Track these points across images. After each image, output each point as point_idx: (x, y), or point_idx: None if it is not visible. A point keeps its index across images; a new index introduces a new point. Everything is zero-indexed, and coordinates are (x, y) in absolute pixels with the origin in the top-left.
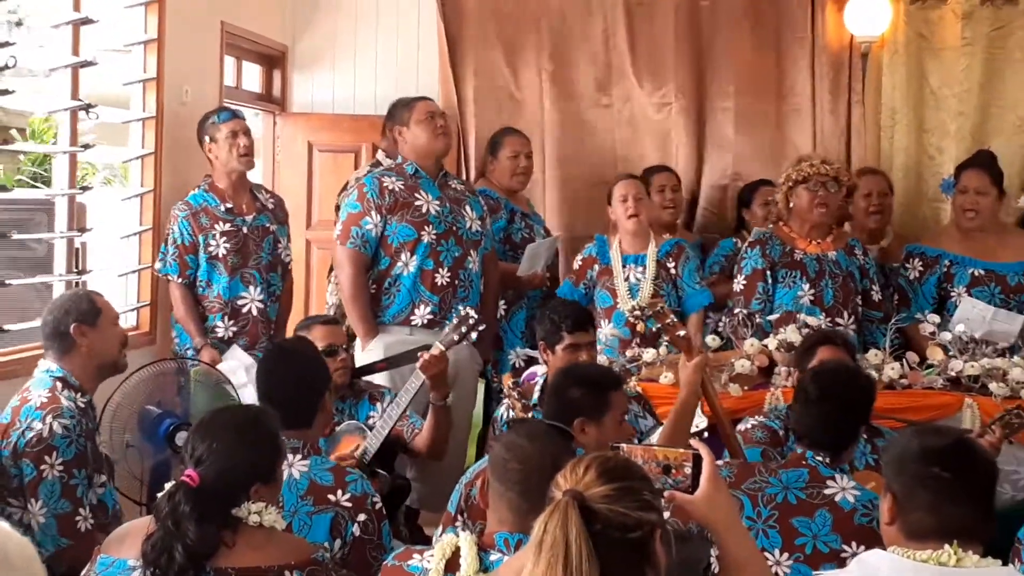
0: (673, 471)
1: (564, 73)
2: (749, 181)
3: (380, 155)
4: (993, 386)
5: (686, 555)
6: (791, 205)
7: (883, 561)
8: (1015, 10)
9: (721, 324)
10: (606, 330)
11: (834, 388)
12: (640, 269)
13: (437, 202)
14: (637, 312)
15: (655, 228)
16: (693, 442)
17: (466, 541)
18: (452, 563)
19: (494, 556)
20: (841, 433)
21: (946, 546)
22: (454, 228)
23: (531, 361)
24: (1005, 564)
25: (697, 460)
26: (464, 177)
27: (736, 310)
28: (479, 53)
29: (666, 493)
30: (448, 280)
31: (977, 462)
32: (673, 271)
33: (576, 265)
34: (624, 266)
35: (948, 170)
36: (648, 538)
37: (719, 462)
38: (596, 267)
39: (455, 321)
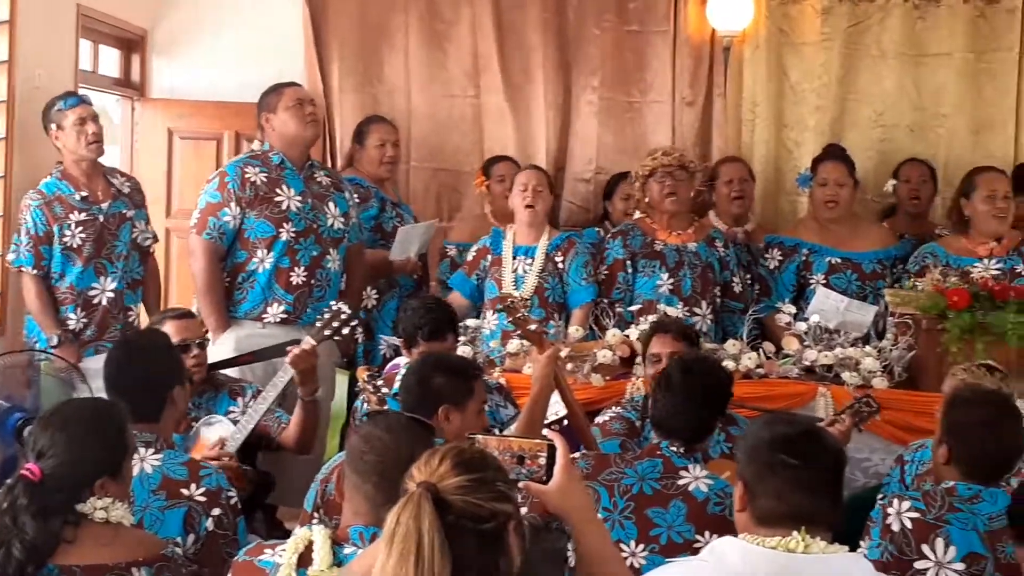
0: (527, 461)
1: (431, 61)
2: (612, 174)
3: (256, 145)
4: (846, 375)
5: (545, 547)
6: (646, 199)
7: (734, 548)
8: (872, 6)
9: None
10: (491, 320)
11: (694, 379)
12: (529, 261)
13: (299, 198)
14: (500, 306)
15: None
16: (548, 433)
17: (320, 535)
18: (305, 557)
19: (348, 549)
20: (698, 424)
21: (795, 532)
22: (314, 226)
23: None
24: (857, 547)
25: (551, 451)
26: (331, 166)
27: (601, 300)
28: (345, 38)
29: (520, 484)
30: (304, 279)
31: (825, 450)
32: (561, 265)
33: (471, 256)
34: (515, 257)
35: (806, 163)
36: (502, 529)
37: (576, 454)
38: (489, 257)
39: (327, 316)
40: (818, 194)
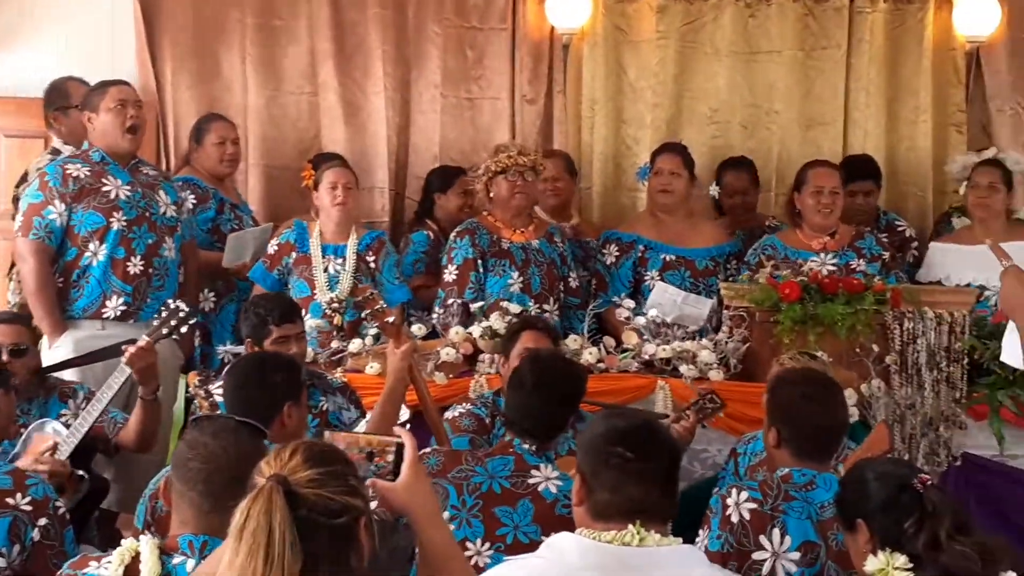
0: (376, 458)
1: (268, 58)
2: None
3: (57, 143)
4: (684, 368)
5: (393, 545)
6: (491, 195)
7: (570, 543)
8: (705, 4)
9: (435, 316)
10: (309, 322)
11: (549, 377)
12: (340, 260)
13: (127, 187)
14: (335, 304)
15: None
16: (397, 430)
17: (147, 545)
18: (133, 569)
19: (177, 559)
20: (552, 422)
21: (629, 526)
22: (147, 214)
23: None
24: (696, 538)
25: (400, 448)
26: (165, 165)
27: (450, 300)
28: (178, 35)
29: (368, 480)
30: (142, 269)
31: (660, 443)
32: (373, 265)
33: (272, 249)
34: (324, 256)
35: (645, 159)
36: (353, 524)
37: (427, 450)
38: (294, 254)
39: (163, 314)
40: (653, 183)
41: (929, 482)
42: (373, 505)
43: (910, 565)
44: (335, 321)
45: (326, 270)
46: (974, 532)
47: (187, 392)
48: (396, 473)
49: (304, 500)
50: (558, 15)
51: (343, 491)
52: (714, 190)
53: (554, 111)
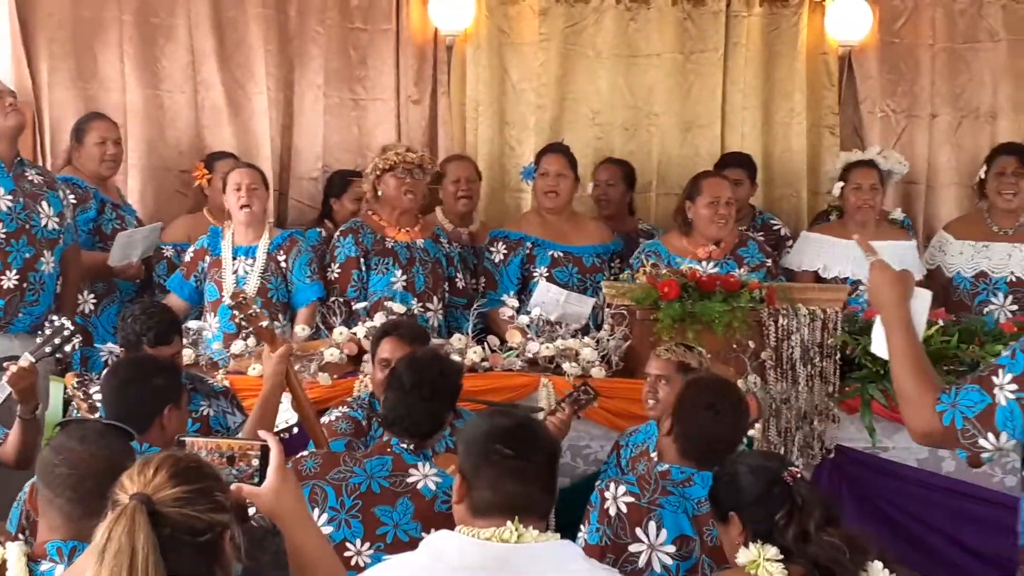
0: (238, 461)
1: (147, 57)
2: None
3: None
4: (567, 365)
5: (275, 549)
6: (379, 193)
7: (449, 541)
8: (587, 7)
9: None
10: (212, 323)
11: (424, 376)
12: (250, 261)
13: (9, 197)
14: (230, 303)
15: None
16: (262, 433)
17: (14, 552)
18: None
19: (45, 566)
20: (429, 420)
21: (508, 523)
22: (27, 227)
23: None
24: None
25: (265, 451)
26: (42, 164)
27: (331, 299)
28: (55, 33)
29: (232, 486)
30: (16, 283)
31: (539, 441)
32: (284, 264)
33: (188, 257)
34: (235, 258)
35: (528, 160)
36: (218, 539)
37: (305, 452)
38: (207, 259)
39: (48, 332)
40: (539, 184)
41: (799, 475)
42: (252, 511)
43: (781, 557)
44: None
45: (236, 271)
46: (843, 524)
47: (65, 393)
48: (262, 477)
49: (168, 519)
50: (442, 17)
51: (209, 509)
52: (590, 187)
53: (439, 112)
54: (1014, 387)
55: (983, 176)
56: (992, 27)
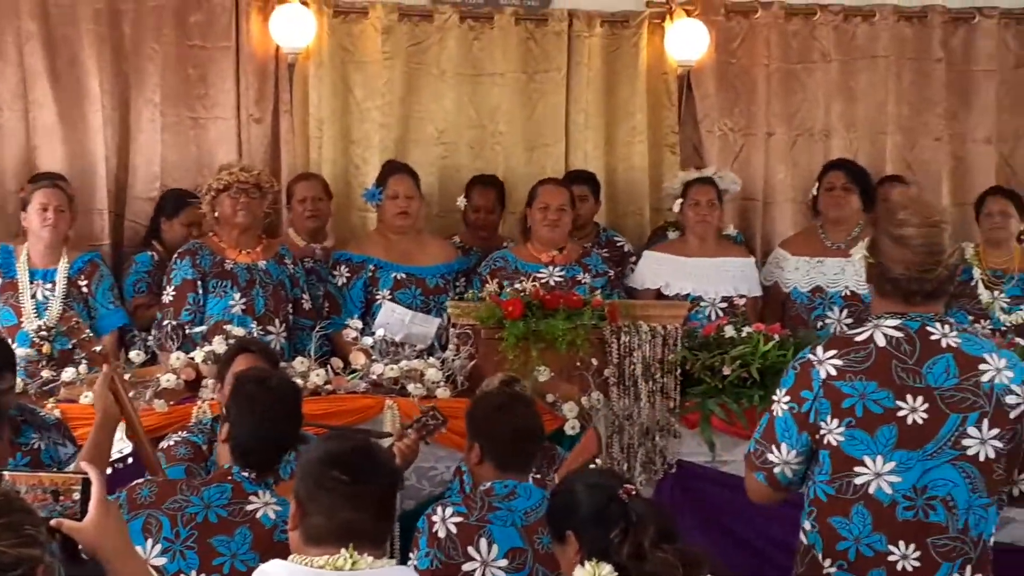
0: (62, 496)
1: None
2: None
3: None
4: (411, 387)
5: None
6: (216, 214)
7: (280, 570)
8: (431, 26)
9: (150, 338)
10: (17, 351)
11: (264, 400)
12: (49, 285)
13: None
14: (44, 332)
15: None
16: (83, 465)
17: None
18: None
19: None
20: (271, 447)
21: (342, 550)
22: None
23: None
24: None
25: (86, 484)
26: None
27: (165, 322)
28: None
29: (53, 521)
30: None
31: (377, 466)
32: (85, 289)
33: None
34: (32, 281)
35: (373, 179)
36: (31, 574)
37: (140, 480)
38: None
39: None
40: (390, 207)
41: (635, 492)
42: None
43: (616, 574)
44: (44, 350)
45: (34, 296)
46: (678, 540)
47: None
48: (84, 511)
49: None
50: (283, 34)
51: (17, 543)
52: (461, 202)
53: (281, 131)
54: (788, 399)
55: (816, 193)
56: (824, 48)
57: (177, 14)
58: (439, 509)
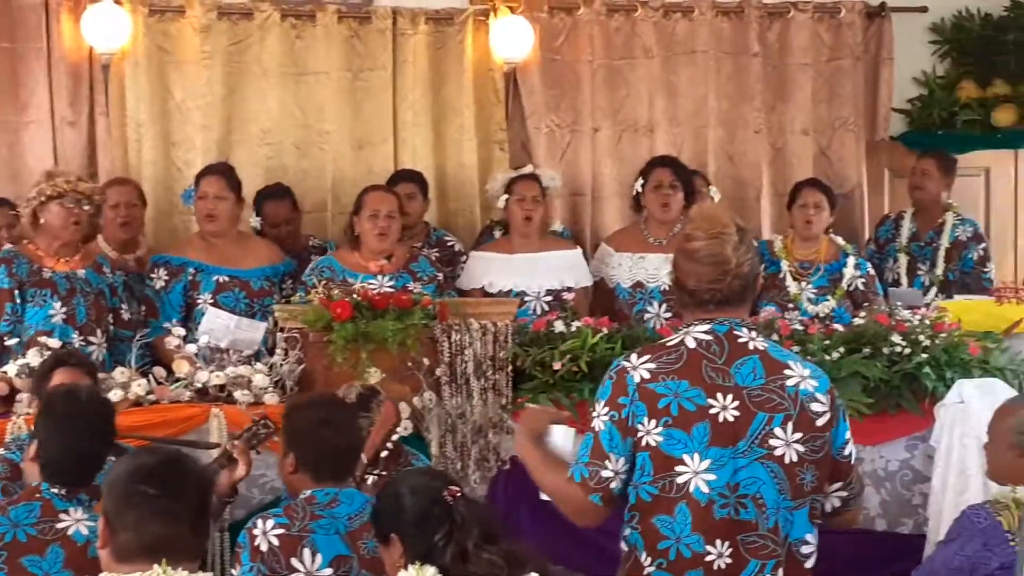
0: None
1: None
2: None
3: None
4: (239, 394)
5: None
6: (41, 222)
7: None
8: (251, 24)
9: None
10: None
11: (74, 414)
12: None
13: None
14: None
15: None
16: None
17: None
18: None
19: None
20: (83, 462)
21: (155, 566)
22: None
23: None
24: None
25: None
26: None
27: None
28: None
29: None
30: None
31: (188, 479)
32: None
33: None
34: None
35: None
36: None
37: None
38: None
39: None
40: (199, 207)
41: (459, 494)
42: None
43: None
44: None
45: None
46: (502, 540)
47: None
48: None
49: None
50: (96, 35)
51: None
52: (255, 221)
53: (98, 134)
54: (607, 409)
55: (640, 189)
56: (646, 44)
57: None
58: (259, 522)
